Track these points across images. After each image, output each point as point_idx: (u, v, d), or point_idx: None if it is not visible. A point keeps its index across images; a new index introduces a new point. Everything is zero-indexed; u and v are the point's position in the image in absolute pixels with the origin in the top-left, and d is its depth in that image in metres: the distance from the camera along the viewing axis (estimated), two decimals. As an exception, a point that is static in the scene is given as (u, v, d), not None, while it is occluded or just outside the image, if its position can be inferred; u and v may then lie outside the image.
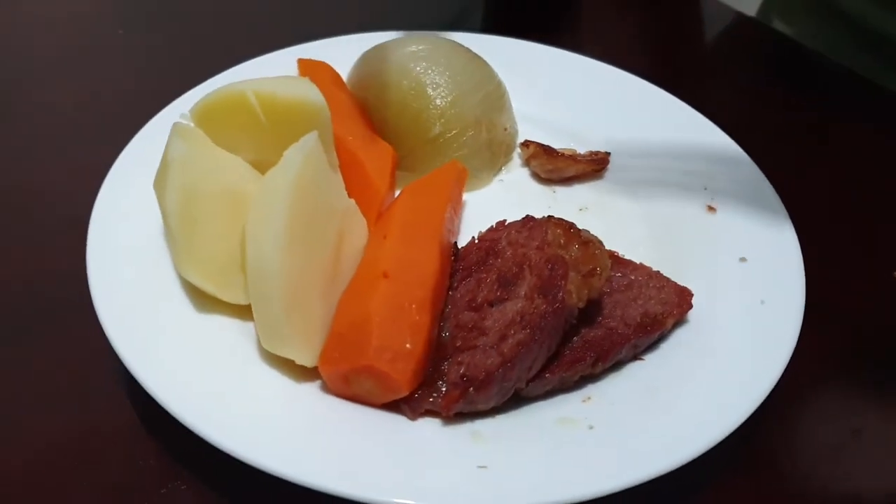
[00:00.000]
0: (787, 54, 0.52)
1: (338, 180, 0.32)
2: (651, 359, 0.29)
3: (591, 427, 0.26)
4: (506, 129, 0.39)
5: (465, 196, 0.37)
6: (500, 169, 0.39)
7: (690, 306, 0.30)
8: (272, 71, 0.40)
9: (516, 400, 0.28)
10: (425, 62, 0.37)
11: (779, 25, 0.58)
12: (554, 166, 0.39)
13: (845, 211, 0.39)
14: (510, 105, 0.40)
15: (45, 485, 0.26)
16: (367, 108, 0.38)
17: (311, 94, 0.32)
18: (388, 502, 0.23)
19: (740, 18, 0.56)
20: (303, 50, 0.43)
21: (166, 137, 0.32)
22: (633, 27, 0.56)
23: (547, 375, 0.28)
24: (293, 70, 0.42)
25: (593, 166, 0.39)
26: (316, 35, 0.44)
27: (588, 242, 0.30)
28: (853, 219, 0.38)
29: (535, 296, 0.28)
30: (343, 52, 0.42)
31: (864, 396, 0.31)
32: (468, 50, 0.40)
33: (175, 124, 0.32)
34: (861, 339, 0.32)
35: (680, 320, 0.30)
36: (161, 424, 0.26)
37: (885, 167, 0.42)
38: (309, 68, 0.41)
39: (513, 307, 0.28)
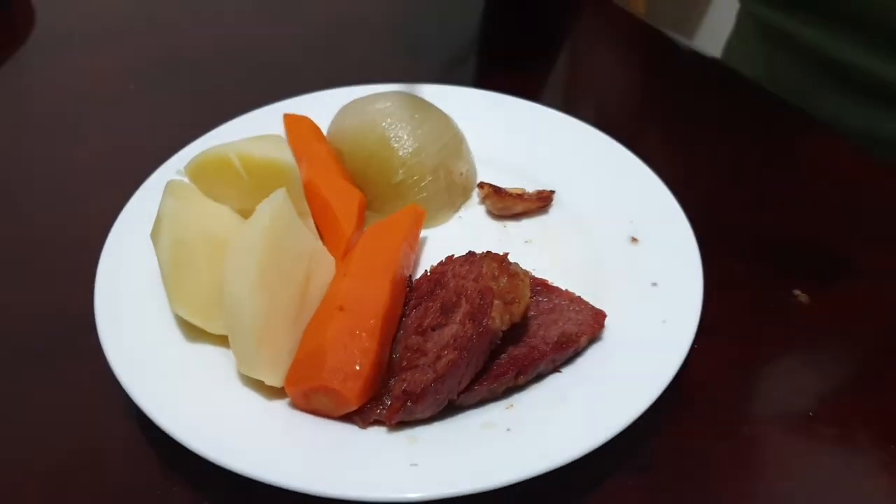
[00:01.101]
0: (741, 93, 0.56)
1: (307, 225, 0.38)
2: (567, 371, 0.34)
3: (508, 430, 0.31)
4: (461, 174, 0.44)
5: (427, 232, 0.42)
6: (459, 207, 0.44)
7: (602, 326, 0.35)
8: (261, 125, 0.46)
9: (451, 409, 0.33)
10: (390, 118, 0.43)
11: (740, 64, 0.63)
12: (504, 204, 0.44)
13: (761, 242, 0.43)
14: (468, 150, 0.46)
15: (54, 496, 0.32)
16: (342, 156, 0.44)
17: (282, 154, 0.38)
18: (339, 495, 0.29)
19: (703, 60, 0.60)
20: (288, 105, 0.49)
21: (156, 192, 0.39)
22: (605, 73, 0.61)
23: (476, 387, 0.33)
24: (280, 122, 0.48)
25: (539, 203, 0.44)
26: (304, 88, 0.50)
27: (514, 275, 0.35)
28: (763, 244, 0.43)
29: (467, 321, 0.33)
30: (325, 106, 0.48)
31: (755, 403, 0.36)
32: (430, 104, 0.45)
33: (168, 182, 0.38)
34: (757, 353, 0.37)
35: (594, 338, 0.35)
36: (155, 438, 0.32)
37: (813, 200, 0.46)
38: (292, 122, 0.47)
39: (449, 331, 0.34)
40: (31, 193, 0.47)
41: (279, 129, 0.47)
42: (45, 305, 0.39)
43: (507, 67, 0.59)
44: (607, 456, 0.31)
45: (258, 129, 0.44)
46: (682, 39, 0.64)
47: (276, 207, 0.35)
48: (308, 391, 0.32)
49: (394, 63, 0.59)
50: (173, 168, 0.43)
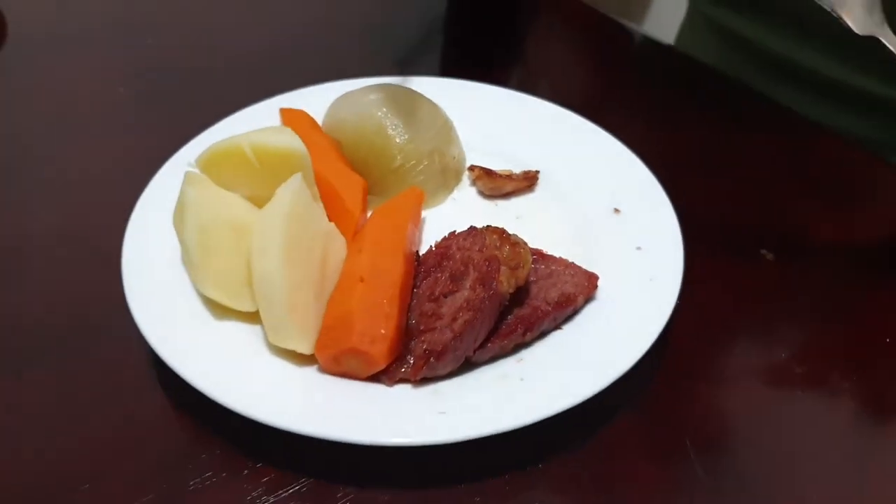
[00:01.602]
0: (698, 78, 0.61)
1: (319, 208, 0.40)
2: (567, 328, 0.38)
3: (521, 379, 0.35)
4: (454, 158, 0.48)
5: (424, 213, 0.46)
6: (452, 190, 0.48)
7: (596, 287, 0.39)
8: (260, 119, 0.49)
9: (468, 365, 0.36)
10: (385, 107, 0.46)
11: (695, 52, 0.68)
12: (494, 184, 0.47)
13: (729, 208, 0.48)
14: (457, 137, 0.49)
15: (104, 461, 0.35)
16: (341, 146, 0.47)
17: (294, 142, 0.41)
18: (383, 442, 0.32)
19: (659, 48, 0.65)
20: (283, 100, 0.51)
21: (174, 181, 0.41)
22: (567, 62, 0.65)
23: (489, 345, 0.36)
24: (276, 116, 0.51)
25: (526, 182, 0.48)
26: (292, 85, 0.53)
27: (516, 244, 0.39)
28: (731, 210, 0.48)
29: (477, 286, 0.37)
30: (318, 99, 0.50)
31: (733, 347, 0.40)
32: (419, 94, 0.49)
33: (186, 173, 0.40)
34: (732, 303, 0.41)
35: (589, 297, 0.39)
36: (192, 407, 0.35)
37: (771, 170, 0.51)
38: (290, 115, 0.49)
39: (461, 296, 0.37)
40: (37, 194, 0.48)
41: (276, 122, 0.50)
42: (70, 294, 0.41)
43: (469, 57, 0.63)
44: (608, 399, 0.34)
45: (255, 123, 0.47)
46: (633, 27, 0.69)
47: (295, 191, 0.38)
48: (338, 354, 0.35)
49: (364, 58, 0.61)
50: (181, 161, 0.45)
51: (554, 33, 0.69)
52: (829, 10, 0.39)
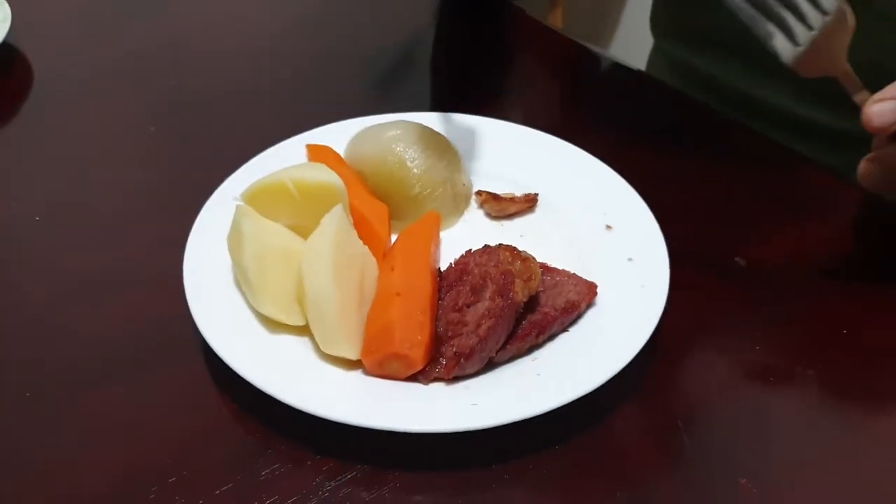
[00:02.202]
0: (669, 101, 0.68)
1: (355, 234, 0.47)
2: (573, 330, 0.44)
3: (537, 375, 0.41)
4: (464, 185, 0.54)
5: (441, 234, 0.52)
6: (462, 213, 0.54)
7: (596, 294, 0.45)
8: (290, 154, 0.54)
9: (490, 365, 0.42)
10: (403, 143, 0.53)
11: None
12: (500, 207, 0.54)
13: (705, 222, 0.55)
14: (465, 166, 0.56)
15: (177, 465, 0.40)
16: (363, 177, 0.53)
17: (331, 177, 0.47)
18: (428, 429, 0.38)
19: (630, 73, 0.72)
20: (307, 137, 0.57)
21: (219, 213, 0.48)
22: (544, 88, 0.72)
23: (508, 347, 0.42)
24: (302, 151, 0.57)
25: (527, 204, 0.54)
26: (314, 122, 0.59)
27: (526, 259, 0.45)
28: (706, 222, 0.54)
29: (496, 297, 0.43)
30: (335, 136, 0.56)
31: (714, 343, 0.47)
32: (431, 128, 0.55)
33: (238, 206, 0.46)
34: (712, 305, 0.48)
35: (590, 303, 0.45)
36: (255, 411, 0.41)
37: (739, 186, 0.58)
38: (316, 151, 0.56)
39: (482, 306, 0.43)
40: (91, 230, 0.54)
41: (303, 157, 0.56)
42: (136, 317, 0.47)
43: (457, 90, 0.69)
44: (610, 389, 0.41)
45: (284, 158, 0.53)
46: (604, 53, 0.76)
47: (338, 219, 0.44)
48: (382, 359, 0.41)
49: (360, 93, 0.68)
50: (224, 195, 0.51)
51: (529, 61, 0.76)
52: (764, 41, 0.44)
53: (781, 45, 0.43)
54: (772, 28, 0.43)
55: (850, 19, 0.43)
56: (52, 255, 0.52)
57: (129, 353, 0.45)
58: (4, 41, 0.66)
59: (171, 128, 0.63)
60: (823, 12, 0.42)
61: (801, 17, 0.43)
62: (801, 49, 0.43)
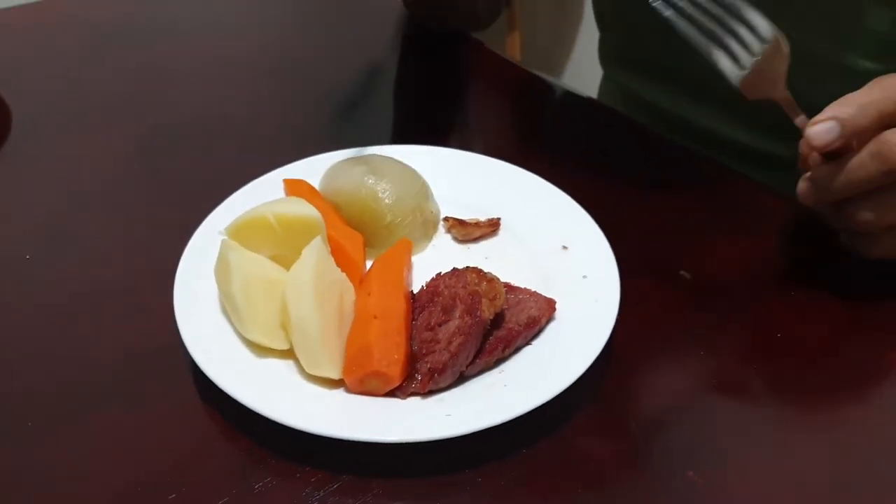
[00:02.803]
0: (616, 125, 0.74)
1: (333, 262, 0.50)
2: (536, 343, 0.48)
3: (504, 385, 0.45)
4: (432, 212, 0.58)
5: (412, 259, 0.56)
6: (431, 238, 0.58)
7: (555, 309, 0.49)
8: (267, 189, 0.58)
9: (462, 379, 0.46)
10: (374, 176, 0.57)
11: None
12: (466, 231, 0.58)
13: (652, 240, 0.59)
14: (432, 194, 0.60)
15: (174, 481, 0.43)
16: (339, 208, 0.57)
17: (310, 211, 0.51)
18: (408, 439, 0.42)
19: (581, 100, 0.78)
20: (284, 171, 0.61)
21: (204, 246, 0.52)
22: (505, 123, 0.77)
23: (477, 361, 0.46)
24: (280, 185, 0.60)
25: (491, 228, 0.58)
26: (297, 158, 0.63)
27: (491, 280, 0.49)
28: (653, 239, 0.59)
29: (465, 316, 0.47)
30: (315, 169, 0.60)
31: (661, 348, 0.51)
32: (399, 161, 0.59)
33: (223, 240, 0.50)
34: (663, 313, 0.52)
35: (550, 318, 0.49)
36: (245, 430, 0.44)
37: (682, 204, 0.63)
38: (292, 185, 0.59)
39: (453, 325, 0.47)
40: (78, 262, 0.57)
41: (280, 190, 0.59)
42: (126, 346, 0.50)
43: (418, 121, 0.74)
44: (569, 396, 0.45)
45: (263, 192, 0.57)
46: (558, 83, 0.81)
47: (317, 250, 0.48)
48: (363, 377, 0.45)
49: (332, 128, 0.73)
50: (208, 230, 0.54)
51: (487, 92, 0.81)
52: (713, 64, 0.49)
53: (729, 69, 0.49)
54: (719, 53, 0.49)
55: (785, 48, 0.49)
56: (43, 287, 0.54)
57: (122, 378, 0.48)
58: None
59: (151, 164, 0.67)
60: (763, 40, 0.49)
61: (743, 44, 0.49)
62: (745, 72, 0.49)
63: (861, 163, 0.47)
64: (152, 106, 0.74)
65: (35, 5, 0.89)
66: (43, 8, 0.89)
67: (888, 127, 0.47)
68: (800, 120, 0.49)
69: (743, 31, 0.48)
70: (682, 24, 0.49)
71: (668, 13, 0.49)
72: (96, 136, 0.69)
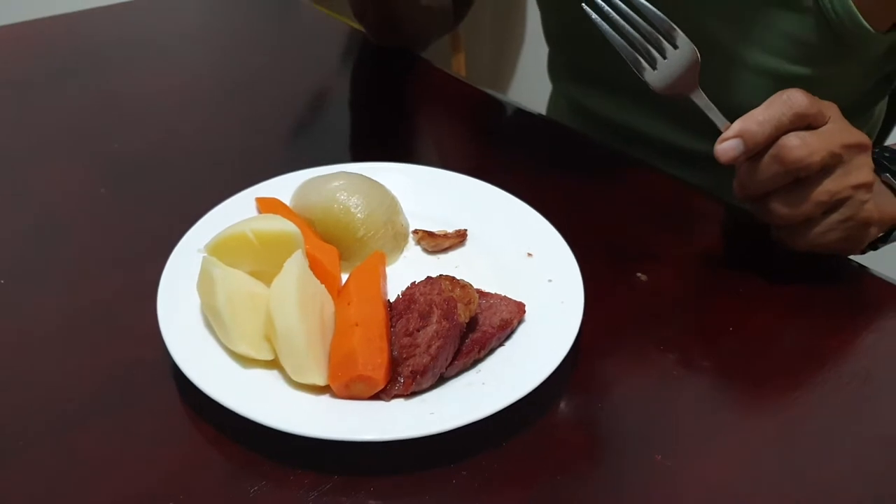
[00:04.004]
0: (565, 138, 0.78)
1: (312, 275, 0.53)
2: (509, 343, 0.51)
3: (483, 384, 0.48)
4: (402, 225, 0.61)
5: (386, 270, 0.59)
6: (402, 250, 0.61)
7: (525, 311, 0.53)
8: (240, 208, 0.60)
9: (442, 380, 0.49)
10: (345, 192, 0.59)
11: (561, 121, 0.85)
12: (435, 243, 0.61)
13: (610, 244, 0.64)
14: (401, 208, 0.63)
15: (170, 490, 0.45)
16: (312, 223, 0.59)
17: (288, 226, 0.53)
18: (394, 437, 0.44)
19: (531, 117, 0.82)
20: (255, 190, 0.63)
21: (183, 264, 0.53)
22: (458, 138, 0.81)
23: (455, 362, 0.49)
24: (252, 204, 0.62)
25: (459, 239, 0.61)
26: (259, 177, 0.65)
27: (465, 286, 0.52)
28: (610, 245, 0.63)
29: (442, 321, 0.50)
30: (283, 187, 0.63)
31: (622, 346, 0.55)
32: (368, 178, 0.62)
33: (204, 258, 0.51)
34: (619, 315, 0.56)
35: (521, 320, 0.52)
36: (237, 437, 0.46)
37: (635, 210, 0.67)
38: (265, 203, 0.61)
39: (431, 329, 0.50)
40: (56, 287, 0.58)
41: (252, 209, 0.61)
42: (112, 360, 0.51)
43: (366, 136, 0.77)
44: (543, 391, 0.48)
45: (236, 211, 0.59)
46: (508, 100, 0.85)
47: (298, 263, 0.50)
48: (349, 381, 0.47)
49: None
50: (185, 249, 0.56)
51: (438, 109, 0.84)
52: (635, 72, 0.56)
53: (650, 75, 0.55)
54: (643, 62, 0.55)
55: (696, 54, 0.55)
56: (20, 311, 0.55)
57: (106, 395, 0.49)
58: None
59: (118, 189, 0.68)
60: (675, 47, 0.55)
61: (661, 52, 0.55)
62: (661, 75, 0.55)
63: (766, 164, 0.53)
64: (111, 133, 0.75)
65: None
66: (3, 33, 0.90)
67: (782, 133, 0.53)
68: (712, 115, 0.56)
69: (660, 40, 0.55)
70: (607, 29, 0.55)
71: (594, 17, 0.55)
72: (59, 164, 0.70)
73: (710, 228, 0.66)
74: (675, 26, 0.55)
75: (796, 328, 0.56)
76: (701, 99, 0.56)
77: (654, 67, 0.55)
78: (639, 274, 0.60)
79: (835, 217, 0.55)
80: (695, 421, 0.50)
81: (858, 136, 0.55)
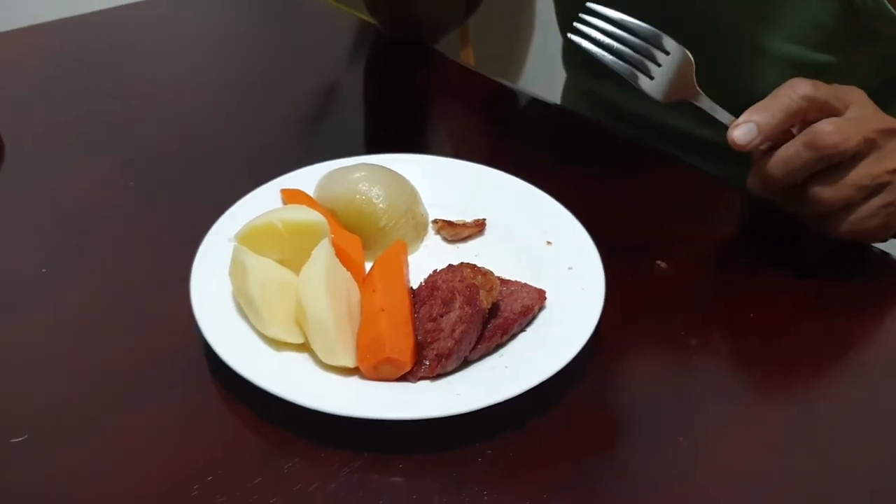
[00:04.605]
0: (580, 127, 0.79)
1: (339, 263, 0.54)
2: (530, 329, 0.52)
3: (506, 367, 0.50)
4: (422, 215, 0.63)
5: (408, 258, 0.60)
6: (423, 239, 0.62)
7: (545, 298, 0.54)
8: (266, 200, 0.62)
9: (466, 363, 0.50)
10: (367, 183, 0.61)
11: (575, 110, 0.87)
12: (455, 232, 0.62)
13: (630, 232, 0.65)
14: (420, 198, 0.64)
15: (208, 468, 0.47)
16: (335, 214, 0.61)
17: (315, 216, 0.54)
18: (413, 416, 0.45)
19: (546, 106, 0.83)
20: (280, 182, 0.65)
21: (213, 253, 0.55)
22: (472, 129, 0.82)
23: (478, 346, 0.50)
24: (277, 195, 0.64)
25: (477, 228, 0.63)
26: (279, 170, 0.66)
27: (486, 273, 0.53)
28: (629, 232, 0.65)
29: (465, 306, 0.51)
30: (305, 179, 0.65)
31: (643, 333, 0.56)
32: (389, 169, 0.63)
33: (235, 247, 0.53)
34: (639, 302, 0.57)
35: (542, 307, 0.54)
36: (272, 418, 0.48)
37: (653, 198, 0.69)
38: (290, 194, 0.63)
39: (454, 315, 0.51)
40: (92, 278, 0.59)
41: (277, 200, 0.63)
42: (146, 349, 0.53)
43: (380, 128, 0.78)
44: (565, 374, 0.49)
45: (262, 202, 0.61)
46: (521, 89, 0.86)
47: (326, 251, 0.52)
48: (377, 363, 0.48)
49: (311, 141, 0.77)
50: (217, 237, 0.58)
51: (451, 100, 0.86)
52: (631, 83, 0.56)
53: (646, 84, 0.56)
54: (637, 73, 0.56)
55: (688, 56, 0.55)
56: (63, 301, 0.57)
57: (149, 378, 0.51)
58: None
59: (147, 182, 0.69)
60: (667, 53, 0.55)
61: (654, 60, 0.55)
62: (659, 82, 0.56)
63: (796, 152, 0.53)
64: (134, 131, 0.77)
65: (12, 33, 0.91)
66: (21, 36, 0.91)
67: (795, 123, 0.54)
68: (720, 116, 0.56)
69: (651, 49, 0.56)
70: (597, 52, 0.56)
71: (583, 44, 0.56)
72: (88, 161, 0.72)
73: (729, 216, 0.67)
74: (662, 33, 0.54)
75: (818, 314, 0.58)
76: (704, 102, 0.56)
77: (650, 77, 0.56)
78: (658, 261, 0.61)
79: (875, 202, 0.54)
80: (716, 404, 0.51)
81: (891, 121, 0.55)
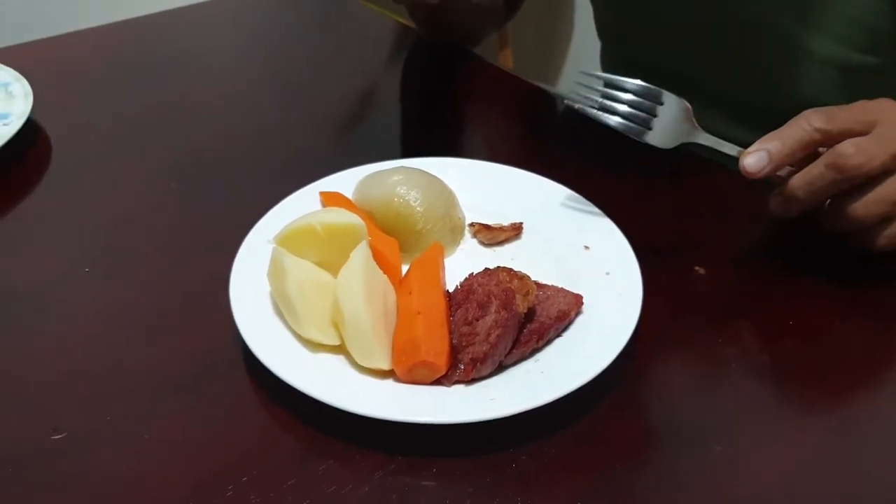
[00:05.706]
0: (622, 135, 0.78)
1: (376, 265, 0.54)
2: (566, 334, 0.52)
3: (542, 373, 0.50)
4: (459, 218, 0.63)
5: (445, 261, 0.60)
6: (459, 243, 0.62)
7: (582, 303, 0.54)
8: (305, 202, 0.63)
9: (501, 368, 0.50)
10: (405, 186, 0.61)
11: None
12: (491, 235, 0.62)
13: (668, 238, 0.64)
14: (458, 202, 0.64)
15: (245, 466, 0.47)
16: (373, 216, 0.61)
17: (353, 219, 0.55)
18: (447, 421, 0.45)
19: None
20: (319, 185, 0.65)
21: (253, 254, 0.56)
22: (509, 132, 0.82)
23: (514, 351, 0.50)
24: (316, 198, 0.65)
25: (515, 232, 0.63)
26: (318, 173, 0.67)
27: (522, 277, 0.53)
28: (666, 238, 0.64)
29: (501, 310, 0.51)
30: (346, 182, 0.65)
31: (681, 337, 0.55)
32: (426, 172, 0.64)
33: (274, 248, 0.54)
34: (681, 305, 0.57)
35: (578, 312, 0.53)
36: (306, 419, 0.48)
37: (687, 204, 0.68)
38: (328, 197, 0.64)
39: (490, 319, 0.51)
40: (135, 277, 0.61)
41: (316, 203, 0.64)
42: (188, 348, 0.54)
43: (420, 132, 0.79)
44: (600, 381, 0.49)
45: (301, 205, 0.61)
46: (559, 92, 0.86)
47: (364, 254, 0.52)
48: (412, 367, 0.49)
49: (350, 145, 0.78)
50: (257, 239, 0.58)
51: (489, 103, 0.85)
52: (636, 139, 0.57)
53: (650, 137, 0.59)
54: (641, 129, 0.58)
55: (684, 102, 0.57)
56: (105, 300, 0.58)
57: (188, 378, 0.52)
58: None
59: (189, 183, 0.71)
60: (662, 104, 0.58)
61: (652, 113, 0.58)
62: (662, 132, 0.58)
63: (820, 174, 0.53)
64: (176, 133, 0.78)
65: (60, 38, 0.94)
66: (67, 41, 0.94)
67: (810, 151, 0.53)
68: (726, 149, 0.57)
69: (647, 103, 0.58)
70: (598, 115, 0.58)
71: (587, 111, 0.59)
72: (132, 161, 0.74)
73: (768, 223, 0.66)
74: (653, 87, 0.57)
75: (858, 324, 0.56)
76: (708, 139, 0.57)
77: (651, 129, 0.58)
78: (697, 267, 0.60)
79: None
80: (753, 413, 0.50)
81: None
